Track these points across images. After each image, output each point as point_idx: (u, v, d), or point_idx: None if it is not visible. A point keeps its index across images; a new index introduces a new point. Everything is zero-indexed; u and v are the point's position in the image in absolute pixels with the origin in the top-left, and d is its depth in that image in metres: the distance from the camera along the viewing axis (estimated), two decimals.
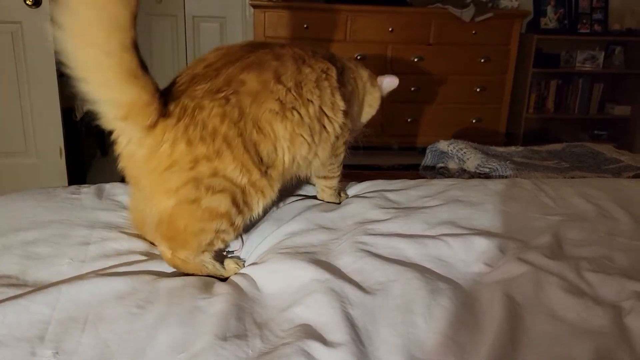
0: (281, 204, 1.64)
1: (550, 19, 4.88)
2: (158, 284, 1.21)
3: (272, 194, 1.35)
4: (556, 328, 1.09)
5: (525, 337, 1.06)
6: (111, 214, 1.54)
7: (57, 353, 0.99)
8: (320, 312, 1.11)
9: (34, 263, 1.28)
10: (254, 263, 1.35)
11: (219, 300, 1.15)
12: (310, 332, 1.05)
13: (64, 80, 3.61)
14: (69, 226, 1.44)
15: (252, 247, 1.46)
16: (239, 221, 1.30)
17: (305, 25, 4.23)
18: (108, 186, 1.71)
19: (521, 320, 1.11)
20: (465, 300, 1.16)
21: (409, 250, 1.35)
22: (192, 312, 1.12)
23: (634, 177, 2.19)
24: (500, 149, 2.73)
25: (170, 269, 1.31)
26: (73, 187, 1.68)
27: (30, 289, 1.17)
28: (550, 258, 1.31)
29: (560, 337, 1.06)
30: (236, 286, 1.23)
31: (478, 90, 4.62)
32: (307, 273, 1.24)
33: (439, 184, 1.79)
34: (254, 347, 1.03)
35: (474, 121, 4.68)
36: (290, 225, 1.49)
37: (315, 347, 1.00)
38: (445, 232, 1.44)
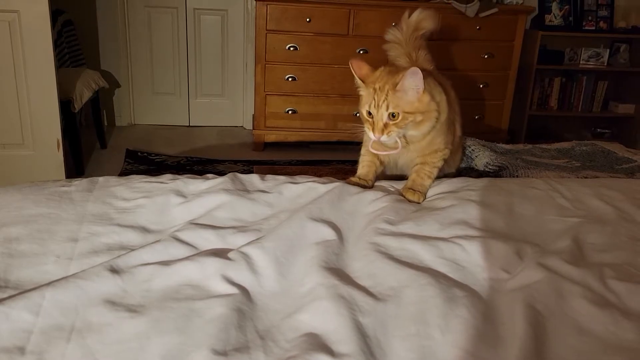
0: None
1: (555, 16, 4.79)
2: (151, 285, 1.12)
3: None
4: (583, 343, 1.00)
5: (551, 353, 0.97)
6: (102, 206, 1.44)
7: None
8: (327, 319, 1.02)
9: (17, 261, 1.18)
10: (257, 242, 1.27)
11: (218, 303, 1.06)
12: (318, 343, 0.97)
13: (62, 71, 3.52)
14: (56, 221, 1.34)
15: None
16: None
17: (307, 19, 4.13)
18: (101, 179, 1.60)
19: (545, 334, 1.02)
20: (483, 310, 1.08)
21: (423, 253, 1.27)
22: (189, 317, 1.03)
23: None
24: (508, 147, 2.63)
25: (171, 260, 1.21)
26: (64, 180, 1.58)
27: (12, 290, 1.08)
28: (572, 264, 1.23)
29: (588, 354, 0.98)
30: (236, 284, 1.14)
31: (481, 86, 4.52)
32: (313, 277, 1.16)
33: (449, 183, 1.70)
34: None
35: (476, 117, 4.59)
36: (299, 215, 1.40)
37: None
38: (459, 233, 1.35)
